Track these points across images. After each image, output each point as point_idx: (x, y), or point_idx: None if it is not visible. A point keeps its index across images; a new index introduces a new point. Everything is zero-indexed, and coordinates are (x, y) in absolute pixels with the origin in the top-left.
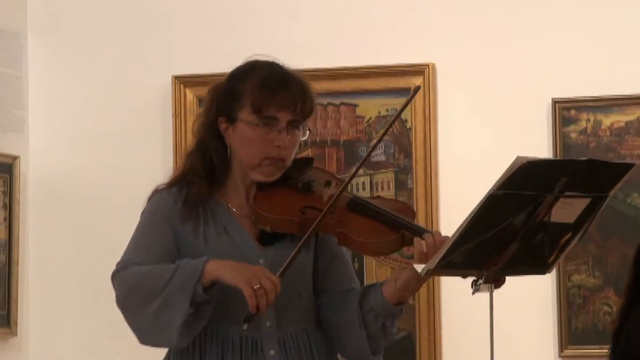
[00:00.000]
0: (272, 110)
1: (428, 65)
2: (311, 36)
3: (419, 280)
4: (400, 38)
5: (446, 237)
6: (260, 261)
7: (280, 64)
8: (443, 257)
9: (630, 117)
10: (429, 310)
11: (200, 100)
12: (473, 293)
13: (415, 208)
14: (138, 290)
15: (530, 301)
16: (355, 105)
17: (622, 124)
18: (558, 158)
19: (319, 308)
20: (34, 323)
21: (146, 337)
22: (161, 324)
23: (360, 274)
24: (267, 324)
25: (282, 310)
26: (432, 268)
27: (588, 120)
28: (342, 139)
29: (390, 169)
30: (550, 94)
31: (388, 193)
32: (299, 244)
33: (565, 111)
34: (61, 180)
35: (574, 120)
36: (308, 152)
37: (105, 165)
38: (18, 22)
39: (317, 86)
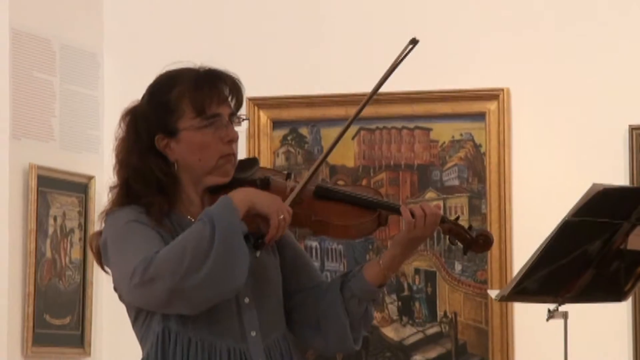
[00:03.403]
0: (214, 107)
1: (502, 90)
2: (384, 61)
3: (404, 256)
4: (475, 62)
5: (434, 207)
6: None
7: (197, 65)
8: (517, 283)
9: None
10: (502, 336)
11: (273, 123)
12: (547, 319)
13: None
14: (181, 264)
15: (605, 329)
16: (429, 129)
17: None
18: (635, 185)
19: (292, 310)
20: (107, 343)
21: (212, 292)
22: (224, 274)
23: (432, 297)
24: (252, 334)
25: (264, 317)
26: (506, 294)
27: None
28: (415, 162)
29: (464, 194)
30: (627, 120)
31: (462, 218)
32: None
33: None
34: None
35: None
36: (382, 176)
37: None
38: (95, 42)
39: (392, 110)
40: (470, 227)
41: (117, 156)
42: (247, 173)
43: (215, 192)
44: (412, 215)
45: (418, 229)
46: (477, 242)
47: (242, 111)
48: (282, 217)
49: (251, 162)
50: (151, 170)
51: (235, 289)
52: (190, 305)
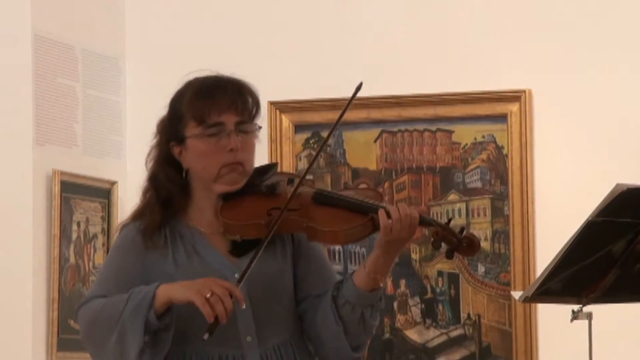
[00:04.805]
0: (214, 116)
1: (524, 91)
2: (406, 63)
3: (386, 258)
4: (497, 64)
5: (412, 209)
6: (235, 275)
7: (217, 73)
8: (541, 284)
9: None
10: (526, 337)
11: (295, 126)
12: (572, 320)
13: (511, 234)
14: (97, 323)
15: (630, 329)
16: (451, 132)
17: None
18: None
19: (301, 318)
20: None
21: None
22: (120, 356)
23: (456, 299)
24: (248, 339)
25: (261, 323)
26: (530, 295)
27: None
28: (437, 165)
29: (486, 196)
30: None
31: (484, 219)
32: (261, 244)
33: None
34: None
35: None
36: (404, 179)
37: None
38: (117, 47)
39: (414, 112)
40: (462, 230)
41: (146, 163)
42: (262, 179)
43: (227, 199)
44: (389, 216)
45: (395, 231)
46: (460, 244)
47: (262, 116)
48: (208, 294)
49: (268, 168)
50: (162, 177)
51: None
52: None
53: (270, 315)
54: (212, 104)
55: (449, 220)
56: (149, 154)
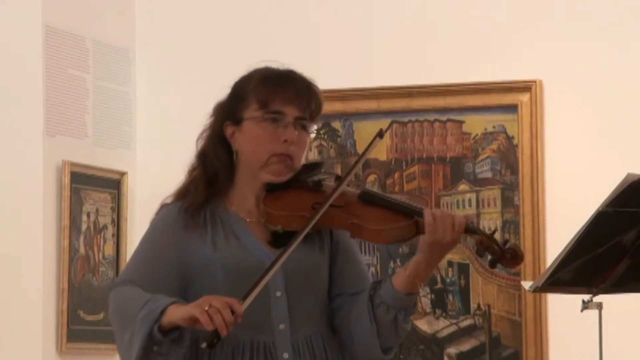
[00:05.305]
0: (277, 104)
1: (535, 82)
2: (416, 53)
3: (428, 264)
4: (507, 55)
5: (458, 215)
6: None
7: (288, 68)
8: (551, 274)
9: None
10: (536, 328)
11: None
12: (582, 310)
13: (521, 225)
14: (119, 314)
15: None
16: (462, 122)
17: None
18: None
19: (333, 314)
20: None
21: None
22: (129, 351)
23: (466, 289)
24: (281, 327)
25: (295, 312)
26: (540, 285)
27: None
28: (448, 155)
29: (496, 186)
30: None
31: (494, 209)
32: (299, 234)
33: None
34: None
35: None
36: (415, 169)
37: None
38: (127, 38)
39: (424, 102)
40: (505, 242)
41: (197, 142)
42: (308, 175)
43: (271, 190)
44: (434, 218)
45: (439, 232)
46: (504, 255)
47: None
48: (207, 307)
49: (315, 166)
50: (212, 154)
51: None
52: None
53: (304, 305)
54: (278, 92)
55: (494, 231)
56: (200, 134)
